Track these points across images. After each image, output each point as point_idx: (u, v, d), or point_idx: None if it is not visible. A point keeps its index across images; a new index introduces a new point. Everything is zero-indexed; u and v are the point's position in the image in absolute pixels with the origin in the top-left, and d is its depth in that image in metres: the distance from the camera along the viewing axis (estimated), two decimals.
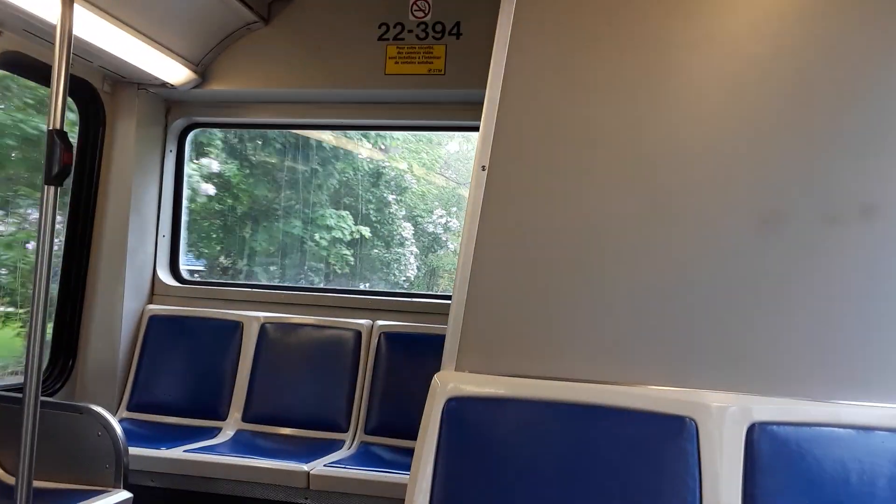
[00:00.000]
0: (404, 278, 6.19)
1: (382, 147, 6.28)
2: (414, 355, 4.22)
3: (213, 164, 5.27)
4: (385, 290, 5.63)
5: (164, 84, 4.34)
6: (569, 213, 2.33)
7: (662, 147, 2.31)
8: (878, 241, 2.12)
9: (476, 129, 2.48)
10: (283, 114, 4.65)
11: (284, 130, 5.80)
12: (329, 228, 5.60)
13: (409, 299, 4.51)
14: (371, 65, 4.21)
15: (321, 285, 5.93)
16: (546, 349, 2.26)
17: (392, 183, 6.27)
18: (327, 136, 5.91)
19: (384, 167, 6.23)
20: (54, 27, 2.46)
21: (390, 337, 4.30)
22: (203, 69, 4.38)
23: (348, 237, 5.80)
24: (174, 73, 4.26)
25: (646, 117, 2.33)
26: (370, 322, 4.37)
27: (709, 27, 2.35)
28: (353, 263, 5.76)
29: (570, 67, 2.41)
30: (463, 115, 4.25)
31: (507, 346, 2.29)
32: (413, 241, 6.24)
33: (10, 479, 3.18)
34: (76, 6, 2.53)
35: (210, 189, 5.42)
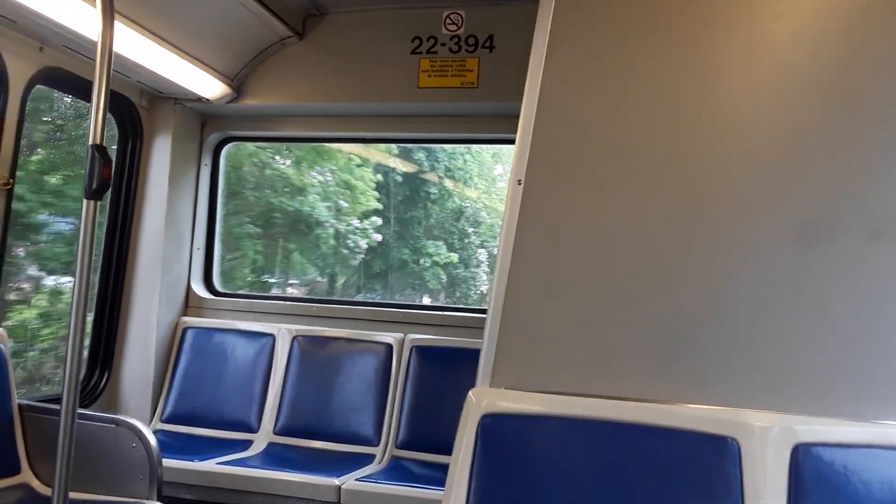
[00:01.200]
0: (479, 291, 7.25)
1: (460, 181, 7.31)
2: (445, 369, 4.20)
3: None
4: (417, 303, 5.62)
5: (199, 99, 4.39)
6: (605, 227, 2.30)
7: (701, 160, 2.27)
8: None
9: (509, 141, 2.47)
10: (316, 127, 4.68)
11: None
12: (430, 255, 6.81)
13: (441, 313, 4.50)
14: (404, 78, 4.22)
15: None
16: (583, 366, 2.22)
17: (471, 218, 7.43)
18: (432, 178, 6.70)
19: (465, 206, 7.36)
20: (94, 43, 2.50)
21: (422, 351, 4.29)
22: (238, 84, 4.43)
23: (443, 261, 6.92)
24: (210, 87, 4.31)
25: (684, 129, 2.29)
26: (402, 335, 4.36)
27: (748, 37, 2.32)
28: (444, 281, 6.85)
29: (607, 80, 2.38)
30: (496, 128, 4.24)
31: (543, 362, 2.26)
32: (486, 262, 7.41)
33: (46, 490, 3.22)
34: (116, 22, 2.57)
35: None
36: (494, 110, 4.14)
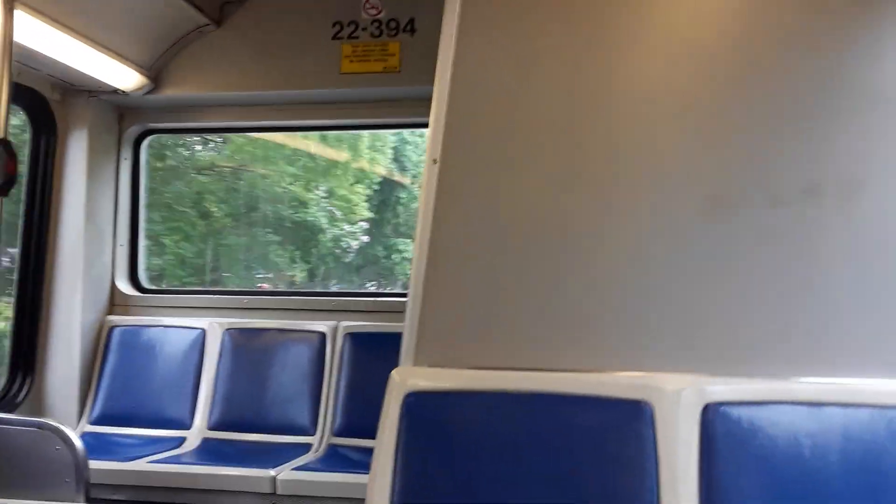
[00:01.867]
0: None
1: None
2: (380, 355, 4.13)
3: None
4: (349, 290, 5.60)
5: (115, 90, 4.27)
6: (521, 203, 2.33)
7: (610, 135, 2.31)
8: (822, 220, 2.15)
9: None
10: (239, 117, 4.60)
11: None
12: (399, 251, 7.34)
13: (372, 299, 4.50)
14: (326, 64, 4.18)
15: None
16: (502, 340, 2.25)
17: None
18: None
19: None
20: None
21: (355, 337, 4.27)
22: (155, 74, 4.32)
23: (410, 255, 7.35)
24: (125, 79, 4.19)
25: (592, 105, 2.33)
26: (335, 324, 4.33)
27: (652, 13, 2.37)
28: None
29: (517, 58, 2.41)
30: (420, 112, 4.18)
31: (465, 338, 2.28)
32: None
33: None
34: (18, 13, 2.48)
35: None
36: (418, 94, 4.11)
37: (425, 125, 4.61)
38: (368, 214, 7.35)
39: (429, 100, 2.85)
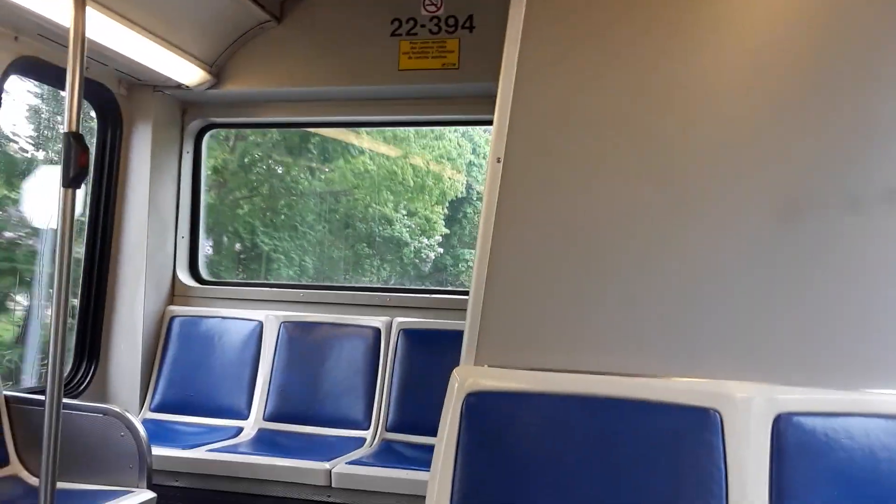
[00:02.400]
0: None
1: None
2: (433, 351, 4.20)
3: None
4: (404, 286, 5.62)
5: (179, 85, 4.35)
6: (586, 204, 2.30)
7: (680, 135, 2.26)
8: None
9: (492, 122, 2.45)
10: (297, 112, 4.65)
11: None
12: (466, 260, 8.02)
13: (427, 295, 4.50)
14: (384, 61, 4.19)
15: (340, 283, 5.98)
16: (565, 342, 2.23)
17: None
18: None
19: None
20: (68, 30, 2.47)
21: (409, 334, 4.29)
22: (217, 70, 4.39)
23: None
24: (189, 74, 4.27)
25: (662, 105, 2.29)
26: (389, 319, 4.36)
27: (726, 10, 2.31)
28: None
29: (584, 56, 2.37)
30: (479, 109, 4.22)
31: (526, 339, 2.26)
32: None
33: (36, 481, 3.22)
34: (89, 9, 2.54)
35: None
36: (477, 91, 4.11)
37: (484, 122, 4.66)
38: (444, 230, 7.71)
39: (488, 97, 2.84)
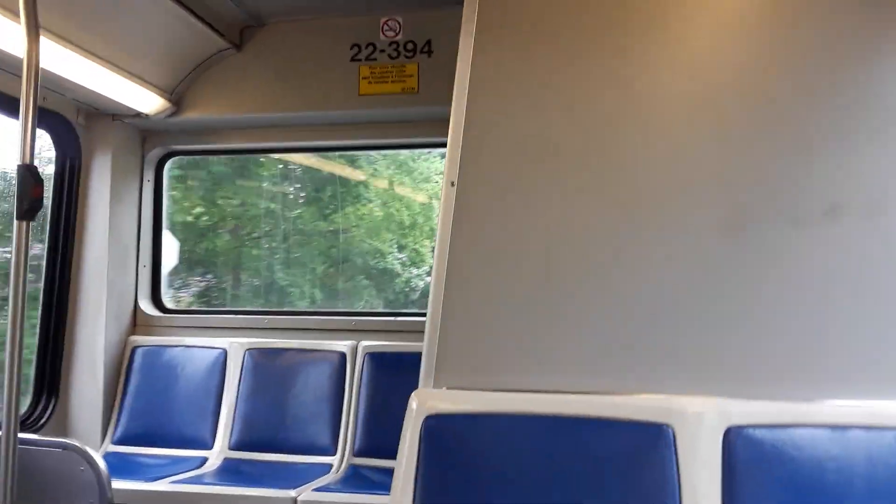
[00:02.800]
0: None
1: None
2: (399, 374, 4.19)
3: None
4: (368, 310, 5.62)
5: (138, 114, 4.33)
6: (538, 225, 2.34)
7: (627, 157, 2.32)
8: (844, 239, 2.13)
9: None
10: (259, 138, 4.65)
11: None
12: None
13: (392, 318, 4.51)
14: (345, 86, 4.22)
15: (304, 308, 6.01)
16: (521, 362, 2.25)
17: None
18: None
19: None
20: (21, 60, 2.46)
21: (375, 357, 4.28)
22: (177, 98, 4.39)
23: None
24: (148, 102, 4.26)
25: (611, 125, 2.34)
26: (354, 343, 4.35)
27: (671, 34, 2.38)
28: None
29: (534, 79, 2.42)
30: (438, 132, 4.20)
31: (483, 361, 2.28)
32: None
33: None
34: (44, 39, 2.53)
35: None
36: (436, 115, 4.14)
37: (443, 145, 4.70)
38: (430, 261, 8.13)
39: (446, 120, 2.88)
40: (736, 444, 1.98)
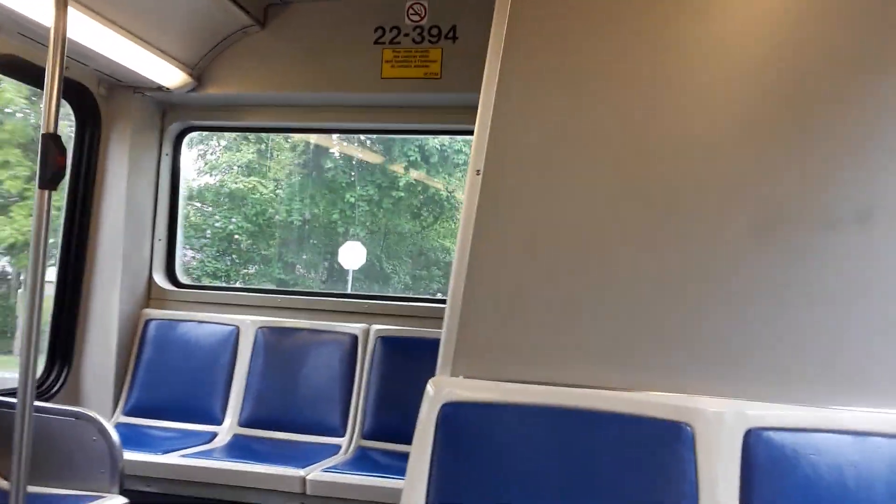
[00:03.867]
0: None
1: None
2: (410, 359, 4.20)
3: None
4: (381, 293, 5.63)
5: (159, 88, 4.33)
6: (564, 216, 2.32)
7: (659, 149, 2.29)
8: (875, 245, 2.11)
9: (473, 132, 2.47)
10: (279, 117, 4.65)
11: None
12: None
13: (405, 303, 4.51)
14: (367, 68, 4.20)
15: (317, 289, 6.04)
16: (542, 354, 2.24)
17: None
18: None
19: None
20: (48, 30, 2.46)
21: (386, 341, 4.29)
22: (199, 73, 4.38)
23: None
24: (170, 76, 4.25)
25: (642, 119, 2.32)
26: (366, 326, 4.35)
27: (708, 28, 2.35)
28: None
29: (566, 68, 2.40)
30: (460, 119, 4.22)
31: (503, 351, 2.28)
32: None
33: (6, 484, 3.17)
34: (71, 9, 2.52)
35: None
36: (458, 101, 4.13)
37: (464, 132, 4.69)
38: None
39: (469, 107, 2.86)
40: (756, 446, 1.97)
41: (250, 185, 6.04)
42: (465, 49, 4.08)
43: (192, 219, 5.86)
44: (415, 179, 6.32)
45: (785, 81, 2.26)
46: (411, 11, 4.17)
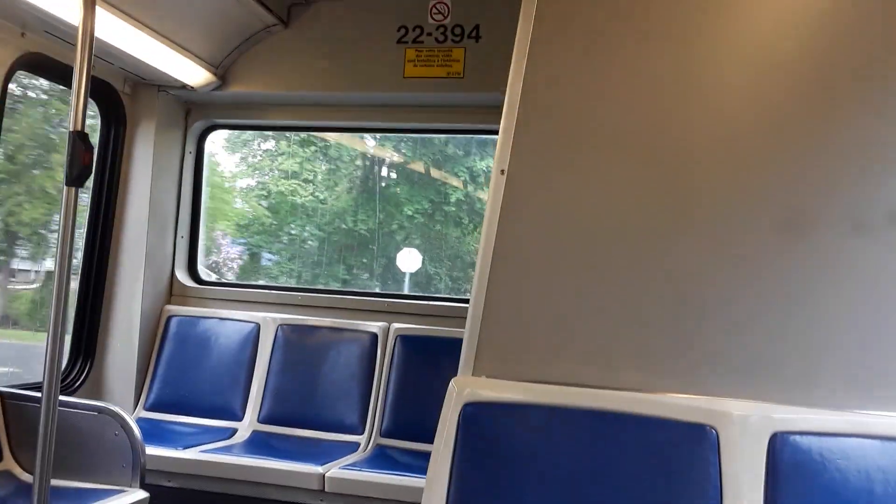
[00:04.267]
0: None
1: None
2: (430, 358, 4.21)
3: None
4: (401, 292, 5.63)
5: (183, 86, 4.36)
6: (588, 218, 2.31)
7: (685, 150, 2.28)
8: None
9: (495, 132, 2.46)
10: (301, 116, 4.67)
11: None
12: None
13: (425, 302, 4.51)
14: (390, 68, 4.21)
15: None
16: (565, 355, 2.24)
17: None
18: None
19: None
20: (76, 28, 2.48)
21: (406, 340, 4.30)
22: (223, 71, 4.40)
23: None
24: (194, 75, 4.28)
25: (668, 119, 2.30)
26: (386, 325, 4.36)
27: (733, 27, 2.32)
28: None
29: (591, 69, 2.39)
30: (482, 119, 4.23)
31: (526, 351, 2.27)
32: None
33: (29, 478, 3.21)
34: (97, 8, 2.55)
35: None
36: (481, 101, 4.13)
37: (487, 132, 4.69)
38: None
39: (491, 107, 2.85)
40: (782, 449, 1.95)
41: (321, 199, 6.57)
42: (488, 49, 4.07)
43: (269, 227, 6.58)
44: (463, 196, 6.65)
45: (813, 78, 2.24)
46: (434, 11, 4.17)
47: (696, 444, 1.99)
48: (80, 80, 2.47)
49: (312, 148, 6.46)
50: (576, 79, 2.39)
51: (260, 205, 6.63)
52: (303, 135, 6.19)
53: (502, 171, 2.35)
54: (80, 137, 2.50)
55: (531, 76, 2.38)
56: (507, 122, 2.39)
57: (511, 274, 2.31)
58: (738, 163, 2.23)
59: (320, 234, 6.30)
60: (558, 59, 2.41)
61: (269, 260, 6.59)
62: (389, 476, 3.53)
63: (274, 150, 6.60)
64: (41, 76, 4.07)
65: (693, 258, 2.22)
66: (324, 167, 6.36)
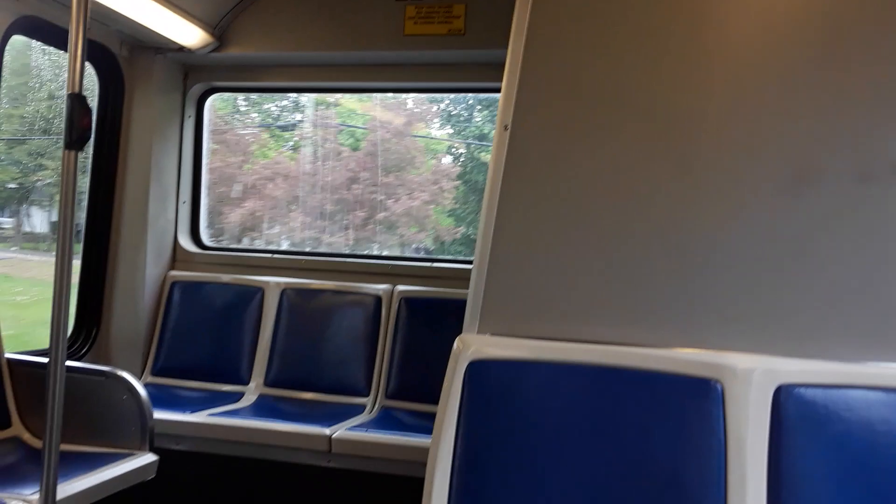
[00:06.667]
0: None
1: None
2: (434, 320, 4.22)
3: None
4: (405, 255, 5.63)
5: (181, 48, 4.31)
6: (593, 174, 2.29)
7: (690, 106, 2.24)
8: None
9: (497, 90, 2.43)
10: (302, 77, 4.61)
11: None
12: None
13: (428, 264, 4.50)
14: (390, 26, 4.14)
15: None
16: (569, 312, 2.23)
17: None
18: None
19: None
20: None
21: (410, 302, 4.30)
22: (220, 32, 4.34)
23: None
24: (191, 36, 4.23)
25: (672, 75, 2.26)
26: (390, 287, 4.36)
27: None
28: None
29: (596, 25, 2.34)
30: (484, 76, 4.18)
31: (530, 308, 2.26)
32: None
33: (38, 443, 3.24)
34: None
35: None
36: (483, 58, 4.07)
37: (489, 90, 4.63)
38: None
39: (493, 64, 2.80)
40: (786, 402, 1.95)
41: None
42: (488, 5, 4.00)
43: None
44: None
45: (818, 32, 2.19)
46: None
47: (702, 399, 1.99)
48: (75, 42, 2.43)
49: None
50: (580, 34, 2.34)
51: None
52: None
53: (506, 127, 2.31)
54: (77, 99, 2.47)
55: (534, 30, 2.34)
56: (509, 77, 2.35)
57: (516, 230, 2.29)
58: (743, 119, 2.20)
59: None
60: (562, 14, 2.36)
61: None
62: (395, 436, 3.56)
63: None
64: (37, 40, 4.02)
65: (698, 214, 2.19)
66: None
